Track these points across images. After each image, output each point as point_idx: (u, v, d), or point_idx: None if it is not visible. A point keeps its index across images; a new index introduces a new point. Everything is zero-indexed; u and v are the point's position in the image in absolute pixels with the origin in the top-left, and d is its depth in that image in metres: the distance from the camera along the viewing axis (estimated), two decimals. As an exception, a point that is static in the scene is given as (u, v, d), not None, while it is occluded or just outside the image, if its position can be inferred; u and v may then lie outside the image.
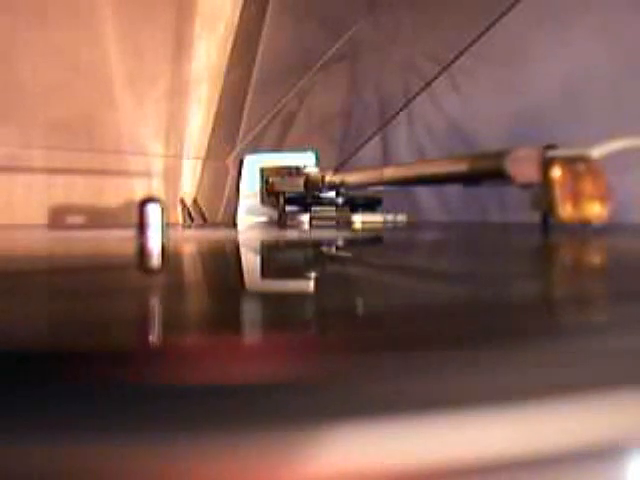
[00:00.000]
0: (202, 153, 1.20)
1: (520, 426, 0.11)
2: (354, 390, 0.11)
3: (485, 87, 0.86)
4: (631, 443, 0.11)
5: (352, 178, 0.67)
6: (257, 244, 0.50)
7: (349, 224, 0.70)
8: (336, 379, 0.11)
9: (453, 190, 0.85)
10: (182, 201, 1.15)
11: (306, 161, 0.79)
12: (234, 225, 0.83)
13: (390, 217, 0.73)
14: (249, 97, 1.18)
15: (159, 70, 1.12)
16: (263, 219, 0.83)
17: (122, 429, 0.10)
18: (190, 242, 0.52)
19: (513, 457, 0.11)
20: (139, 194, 0.84)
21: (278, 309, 0.18)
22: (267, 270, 0.31)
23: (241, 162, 0.87)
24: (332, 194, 0.75)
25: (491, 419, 0.11)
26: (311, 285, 0.24)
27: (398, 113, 0.99)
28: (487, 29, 0.84)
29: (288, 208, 0.78)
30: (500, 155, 0.42)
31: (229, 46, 1.18)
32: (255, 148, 1.11)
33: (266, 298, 0.20)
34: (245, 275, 0.28)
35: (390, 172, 0.60)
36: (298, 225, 0.75)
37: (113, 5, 1.04)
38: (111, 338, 0.13)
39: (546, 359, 0.12)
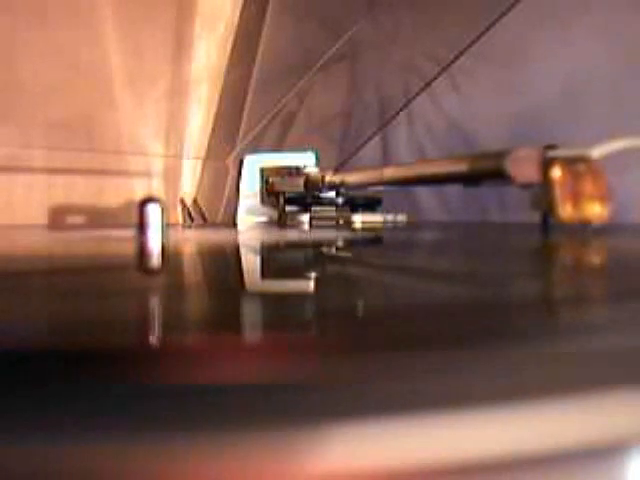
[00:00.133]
0: (202, 153, 1.20)
1: (520, 426, 0.11)
2: (354, 390, 0.11)
3: (485, 87, 0.86)
4: (631, 442, 0.11)
5: (352, 178, 0.67)
6: (257, 244, 0.50)
7: (349, 224, 0.70)
8: (336, 379, 0.11)
9: (453, 190, 0.85)
10: (182, 201, 1.15)
11: (306, 161, 0.79)
12: (234, 225, 0.83)
13: (390, 217, 0.73)
14: (249, 97, 1.18)
15: (159, 70, 1.12)
16: (263, 219, 0.83)
17: (122, 429, 0.10)
18: (190, 242, 0.52)
19: (513, 457, 0.11)
20: (139, 194, 0.84)
21: (278, 309, 0.18)
22: (267, 270, 0.31)
23: (241, 162, 0.87)
24: (332, 194, 0.74)
25: (491, 419, 0.11)
26: (311, 285, 0.24)
27: (398, 113, 0.98)
28: (487, 29, 0.84)
29: (288, 208, 0.78)
30: (500, 155, 0.42)
31: (229, 46, 1.18)
32: (255, 148, 1.11)
33: (266, 298, 0.20)
34: (245, 275, 0.28)
35: (390, 172, 0.60)
36: (298, 225, 0.75)
37: (113, 5, 1.04)
38: (111, 338, 0.13)
39: (546, 359, 0.12)
